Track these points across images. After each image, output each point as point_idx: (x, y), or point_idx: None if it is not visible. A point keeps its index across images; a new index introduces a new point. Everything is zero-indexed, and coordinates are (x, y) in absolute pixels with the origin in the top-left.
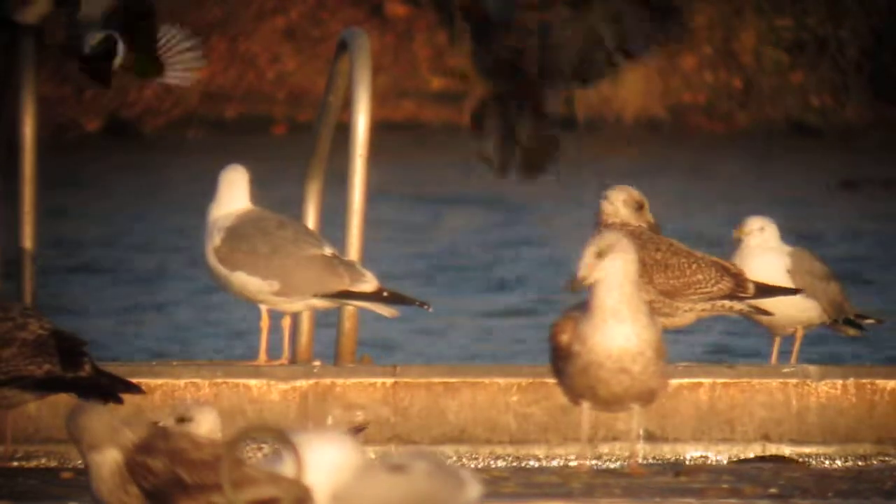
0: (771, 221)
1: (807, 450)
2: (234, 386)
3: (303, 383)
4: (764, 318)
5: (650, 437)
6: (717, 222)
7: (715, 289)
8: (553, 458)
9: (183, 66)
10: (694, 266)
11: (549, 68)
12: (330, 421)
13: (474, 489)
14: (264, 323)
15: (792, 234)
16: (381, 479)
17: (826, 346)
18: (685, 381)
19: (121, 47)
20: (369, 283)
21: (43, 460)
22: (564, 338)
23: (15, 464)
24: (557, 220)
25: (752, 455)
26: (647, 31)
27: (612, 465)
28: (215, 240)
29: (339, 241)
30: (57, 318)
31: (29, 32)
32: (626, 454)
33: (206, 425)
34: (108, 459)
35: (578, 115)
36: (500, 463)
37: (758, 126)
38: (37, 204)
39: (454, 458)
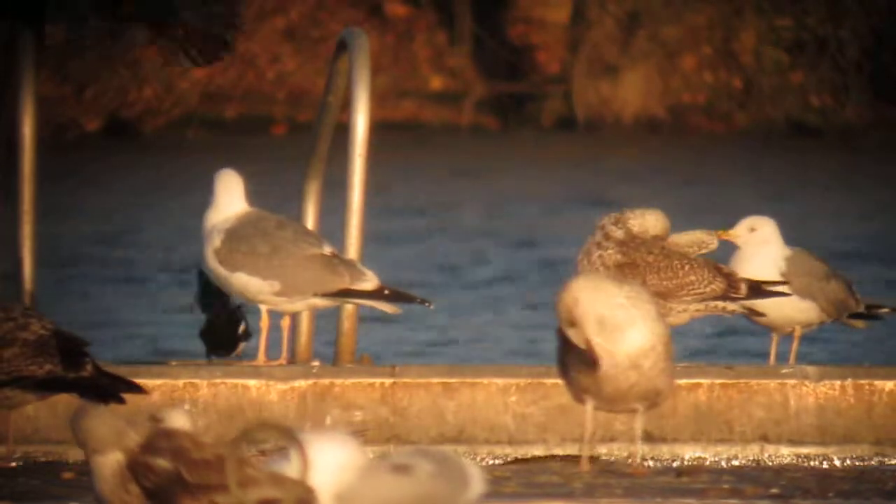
0: (768, 220)
1: (805, 450)
2: (233, 386)
3: (301, 383)
4: (762, 318)
5: (648, 438)
6: (717, 223)
7: (708, 290)
8: (552, 459)
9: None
10: (687, 267)
11: None
12: (329, 421)
13: (478, 485)
14: (264, 323)
15: (792, 234)
16: (385, 480)
17: (826, 346)
18: (683, 381)
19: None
20: (370, 282)
21: (42, 460)
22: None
23: (15, 464)
24: (557, 220)
25: (750, 456)
26: None
27: (612, 466)
28: (215, 241)
29: (339, 242)
30: (56, 318)
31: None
32: (625, 454)
33: (178, 427)
34: (110, 460)
35: (578, 115)
36: (499, 463)
37: (758, 126)
38: (36, 203)
39: None
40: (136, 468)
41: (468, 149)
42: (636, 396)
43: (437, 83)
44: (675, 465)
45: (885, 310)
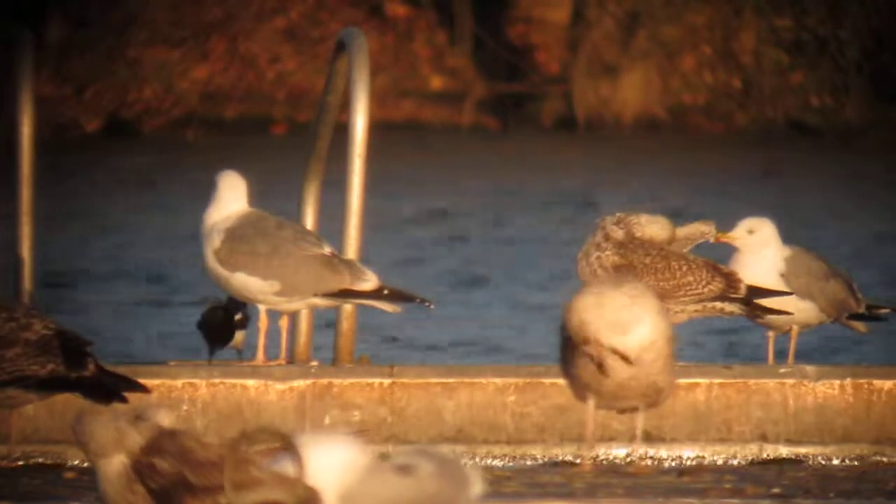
0: (767, 221)
1: (804, 450)
2: (232, 386)
3: (300, 383)
4: (761, 317)
5: (647, 438)
6: (717, 223)
7: (706, 290)
8: (550, 459)
9: None
10: (685, 268)
11: None
12: (328, 421)
13: (478, 486)
14: (262, 323)
15: (792, 234)
16: (388, 481)
17: (828, 345)
18: (682, 381)
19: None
20: (370, 282)
21: (40, 460)
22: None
23: (18, 463)
24: (557, 220)
25: (749, 456)
26: None
27: (613, 466)
28: (215, 242)
29: (338, 241)
30: (55, 318)
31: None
32: (624, 454)
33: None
34: (114, 462)
35: (578, 115)
36: (497, 463)
37: (758, 126)
38: (36, 204)
39: None
40: (141, 469)
41: (468, 149)
42: (636, 393)
43: (437, 83)
44: (673, 464)
45: (886, 310)
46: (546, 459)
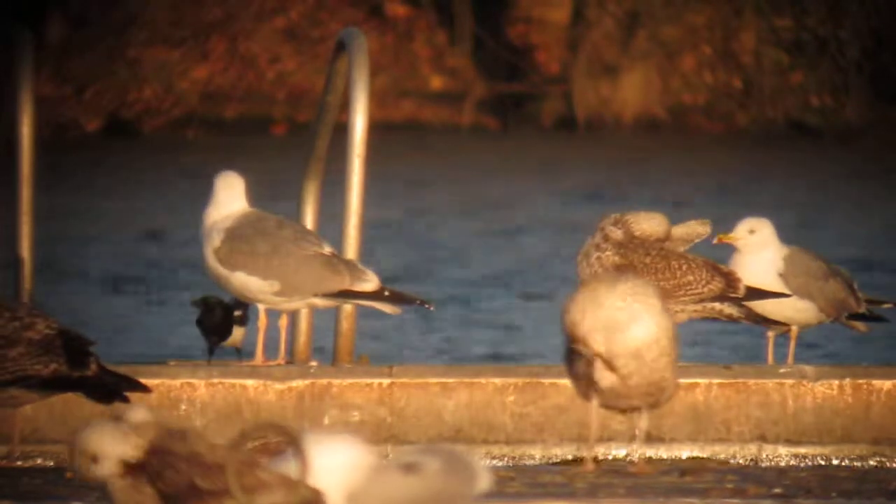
0: (766, 221)
1: (803, 450)
2: (231, 386)
3: (299, 383)
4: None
5: (646, 438)
6: (716, 223)
7: (705, 289)
8: (550, 459)
9: None
10: (685, 267)
11: None
12: (326, 421)
13: (485, 481)
14: (262, 323)
15: (792, 234)
16: (394, 480)
17: (829, 345)
18: (681, 381)
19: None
20: (370, 282)
21: (39, 461)
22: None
23: (17, 463)
24: (557, 220)
25: (748, 456)
26: None
27: (615, 466)
28: (215, 241)
29: (337, 241)
30: (55, 318)
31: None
32: (623, 454)
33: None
34: (116, 470)
35: (578, 115)
36: (497, 463)
37: (758, 126)
38: (36, 203)
39: None
40: (149, 470)
41: (468, 149)
42: (640, 392)
43: (437, 83)
44: (673, 464)
45: (888, 304)
46: (545, 459)
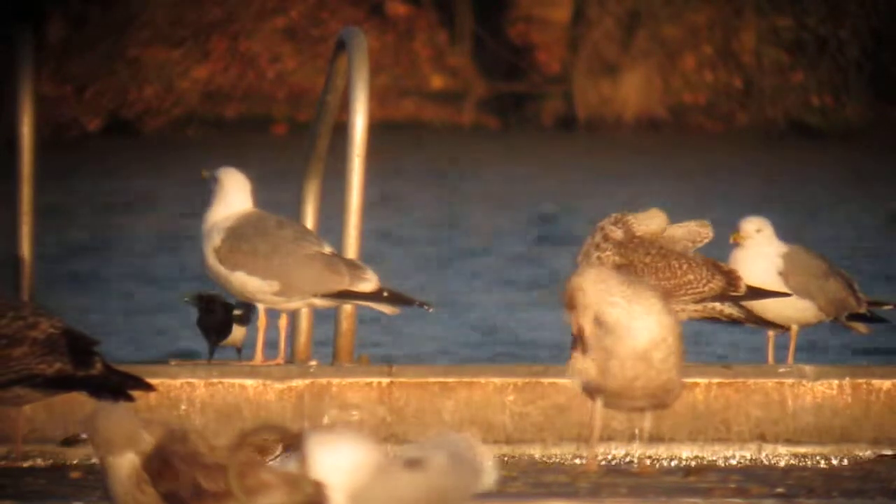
0: (767, 221)
1: (802, 450)
2: (230, 386)
3: (299, 383)
4: (757, 321)
5: (641, 436)
6: (717, 223)
7: (706, 288)
8: (549, 458)
9: None
10: (685, 266)
11: None
12: (326, 421)
13: (490, 475)
14: (261, 323)
15: (792, 234)
16: (398, 477)
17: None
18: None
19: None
20: (370, 283)
21: (39, 460)
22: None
23: (17, 463)
24: (557, 220)
25: (748, 455)
26: None
27: (619, 465)
28: (215, 240)
29: (337, 241)
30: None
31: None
32: (623, 453)
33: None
34: (125, 461)
35: (579, 114)
36: (497, 463)
37: (758, 126)
38: (36, 203)
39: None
40: (151, 471)
41: (468, 148)
42: (645, 393)
43: (437, 82)
44: (673, 464)
45: (888, 306)
46: (545, 459)
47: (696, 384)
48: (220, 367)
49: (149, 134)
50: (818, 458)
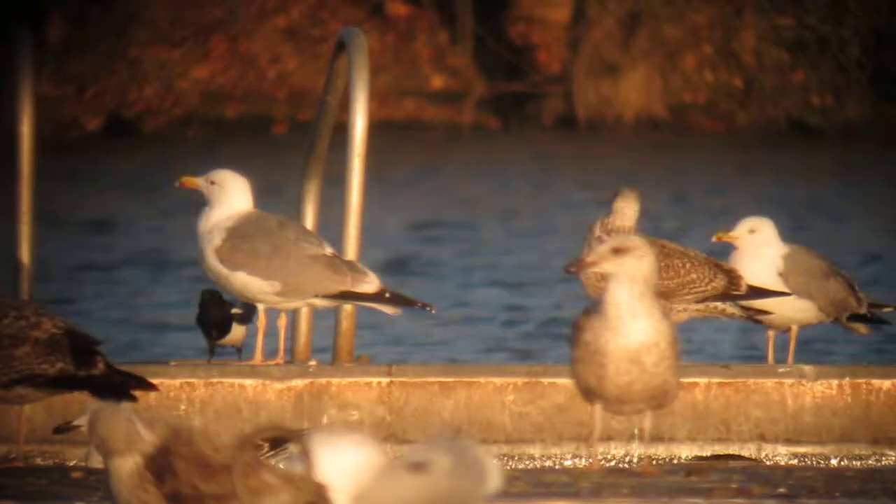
0: (767, 221)
1: (802, 450)
2: (230, 386)
3: (298, 383)
4: (758, 320)
5: (642, 437)
6: (717, 222)
7: (709, 287)
8: (548, 458)
9: None
10: (688, 265)
11: None
12: (325, 420)
13: (495, 479)
14: (261, 323)
15: (792, 234)
16: (402, 480)
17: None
18: (681, 380)
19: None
20: (371, 284)
21: (38, 460)
22: (581, 333)
23: (16, 463)
24: (557, 220)
25: (747, 455)
26: None
27: (621, 466)
28: (216, 240)
29: (337, 241)
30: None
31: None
32: (622, 453)
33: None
34: (128, 461)
35: (579, 114)
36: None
37: (758, 125)
38: (36, 203)
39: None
40: (154, 472)
41: (469, 148)
42: (641, 395)
43: (438, 82)
44: (672, 464)
45: (889, 308)
46: (544, 459)
47: (696, 384)
48: (219, 367)
49: (149, 134)
50: (818, 458)
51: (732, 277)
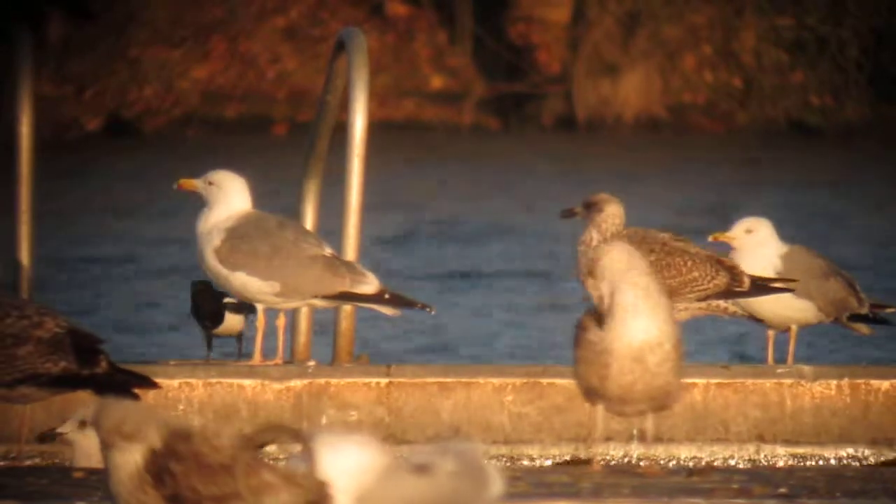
0: (765, 221)
1: (801, 450)
2: (229, 385)
3: (297, 383)
4: (759, 317)
5: (644, 438)
6: (717, 222)
7: (711, 285)
8: (547, 458)
9: None
10: (690, 264)
11: None
12: (324, 421)
13: (498, 485)
14: (260, 323)
15: (792, 234)
16: (405, 482)
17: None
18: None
19: None
20: (371, 285)
21: (37, 460)
22: (585, 332)
23: (17, 463)
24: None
25: (746, 456)
26: None
27: (623, 466)
28: (215, 241)
29: (336, 241)
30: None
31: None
32: (621, 454)
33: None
34: (128, 461)
35: (579, 114)
36: (495, 463)
37: (758, 125)
38: (36, 203)
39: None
40: (154, 473)
41: (468, 148)
42: (643, 396)
43: (437, 83)
44: (671, 464)
45: (891, 309)
46: (544, 459)
47: (695, 384)
48: (218, 367)
49: (149, 134)
50: (817, 458)
51: (735, 274)
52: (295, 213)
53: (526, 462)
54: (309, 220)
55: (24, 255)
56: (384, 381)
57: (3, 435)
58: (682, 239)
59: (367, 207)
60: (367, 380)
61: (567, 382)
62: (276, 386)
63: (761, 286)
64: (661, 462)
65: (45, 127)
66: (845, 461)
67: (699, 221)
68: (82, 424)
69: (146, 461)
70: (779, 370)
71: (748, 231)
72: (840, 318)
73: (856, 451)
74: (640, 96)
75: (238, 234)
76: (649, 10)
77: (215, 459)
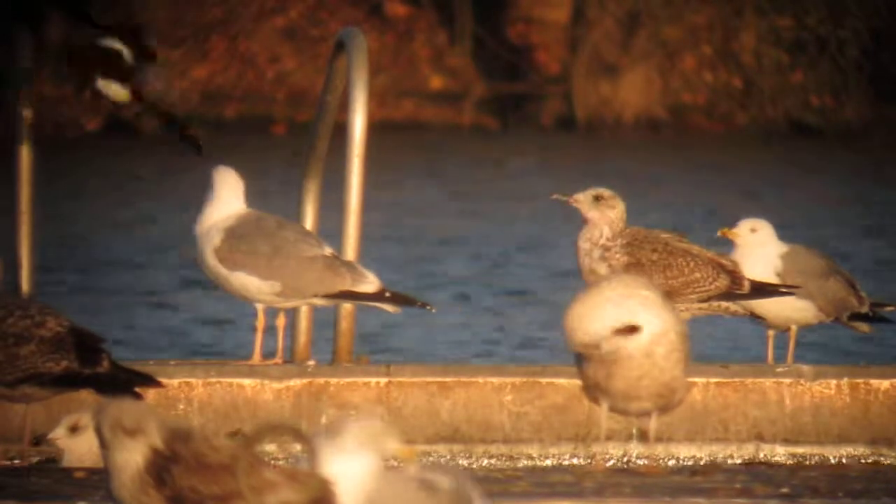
0: (766, 222)
1: (800, 450)
2: (228, 385)
3: (296, 382)
4: (759, 316)
5: (644, 437)
6: (716, 222)
7: (712, 287)
8: (547, 458)
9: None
10: (692, 264)
11: None
12: (324, 421)
13: None
14: (260, 322)
15: (791, 234)
16: (408, 491)
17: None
18: None
19: None
20: (371, 284)
21: (36, 459)
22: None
23: (16, 462)
24: (556, 220)
25: (746, 456)
26: None
27: (626, 465)
28: (215, 240)
29: (336, 241)
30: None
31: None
32: (621, 453)
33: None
34: (129, 463)
35: (578, 115)
36: (494, 462)
37: (758, 126)
38: (36, 203)
39: (448, 458)
40: (154, 474)
41: (468, 148)
42: (650, 393)
43: (437, 83)
44: (671, 464)
45: (891, 307)
46: (543, 459)
47: (694, 384)
48: (217, 366)
49: (148, 134)
50: (816, 458)
51: (735, 276)
52: (295, 214)
53: (526, 462)
54: (309, 221)
55: (25, 255)
56: (384, 380)
57: (4, 435)
58: (685, 240)
59: (367, 208)
60: (366, 379)
61: (567, 382)
62: (276, 385)
63: (762, 289)
64: (661, 461)
65: (45, 127)
66: (844, 461)
67: (699, 222)
68: (73, 430)
69: (147, 462)
70: (778, 369)
71: (752, 230)
72: (840, 318)
73: (855, 450)
74: (640, 97)
75: (238, 233)
76: (649, 11)
77: (216, 459)
